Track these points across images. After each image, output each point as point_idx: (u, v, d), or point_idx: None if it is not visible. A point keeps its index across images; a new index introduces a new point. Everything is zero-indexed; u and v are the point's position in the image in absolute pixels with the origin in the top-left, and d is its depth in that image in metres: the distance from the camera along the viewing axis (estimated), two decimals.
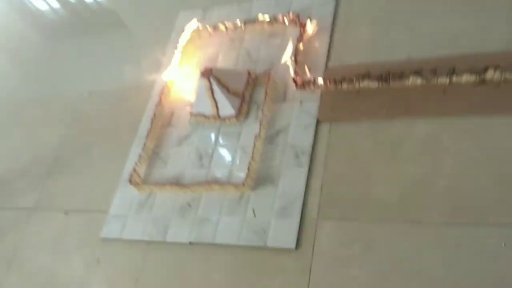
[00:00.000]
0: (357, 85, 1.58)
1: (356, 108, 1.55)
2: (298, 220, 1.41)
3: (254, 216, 1.47)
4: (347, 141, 1.51)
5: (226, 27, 1.95)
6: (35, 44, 2.48)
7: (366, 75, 1.55)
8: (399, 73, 1.52)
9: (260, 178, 1.54)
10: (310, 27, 1.78)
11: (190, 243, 1.50)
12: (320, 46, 1.75)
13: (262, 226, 1.44)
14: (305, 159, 1.51)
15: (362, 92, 1.57)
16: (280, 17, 1.85)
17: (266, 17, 1.87)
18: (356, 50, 1.68)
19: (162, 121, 1.83)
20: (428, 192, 1.33)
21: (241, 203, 1.52)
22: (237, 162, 1.61)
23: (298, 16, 1.81)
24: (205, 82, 1.67)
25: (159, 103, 1.83)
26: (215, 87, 1.67)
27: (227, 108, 1.68)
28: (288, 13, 1.84)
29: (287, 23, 1.85)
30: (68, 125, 2.03)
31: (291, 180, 1.49)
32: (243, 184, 1.49)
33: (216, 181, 1.56)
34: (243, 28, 1.93)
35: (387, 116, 1.50)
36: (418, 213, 1.30)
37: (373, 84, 1.56)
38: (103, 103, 2.05)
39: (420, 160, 1.38)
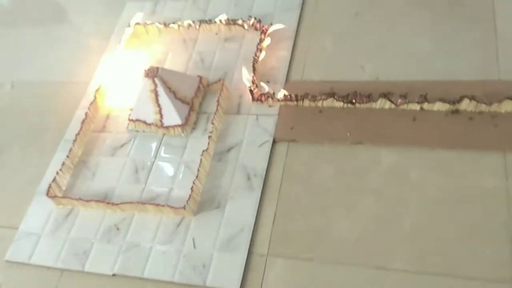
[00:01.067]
0: (320, 103, 1.41)
1: (318, 129, 1.38)
2: (245, 256, 1.21)
3: (194, 247, 1.25)
4: (305, 166, 1.33)
5: (178, 25, 1.73)
6: None
7: (331, 93, 1.39)
8: (367, 95, 1.36)
9: (205, 201, 1.33)
10: (270, 35, 1.60)
11: (114, 275, 1.26)
12: (282, 57, 1.58)
13: (203, 260, 1.23)
14: (258, 183, 1.32)
15: (326, 111, 1.41)
16: (239, 21, 1.66)
17: (224, 19, 1.66)
18: (320, 66, 1.52)
19: (95, 125, 1.58)
20: (393, 233, 1.17)
21: (180, 229, 1.30)
22: (179, 179, 1.39)
23: (259, 21, 1.63)
24: (149, 83, 1.44)
25: (94, 103, 1.58)
26: (161, 90, 1.44)
27: (172, 116, 1.46)
28: (249, 17, 1.65)
29: (246, 27, 1.66)
30: None
31: (240, 206, 1.29)
32: (184, 208, 1.27)
33: (152, 201, 1.33)
34: (197, 28, 1.71)
35: (351, 141, 1.34)
36: (381, 257, 1.14)
37: (338, 104, 1.40)
38: (28, 97, 1.77)
39: (384, 194, 1.23)
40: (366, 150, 1.32)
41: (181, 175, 1.40)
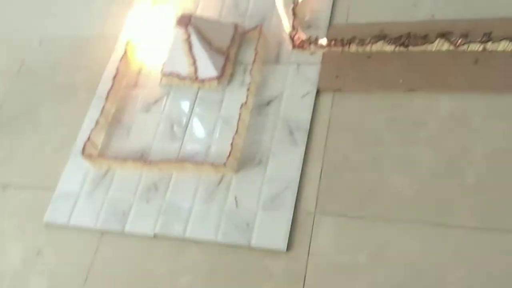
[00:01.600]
0: (368, 48, 1.28)
1: (366, 76, 1.26)
2: (291, 214, 1.13)
3: (236, 206, 1.18)
4: (353, 117, 1.22)
5: None
6: None
7: (381, 36, 1.26)
8: (422, 36, 1.22)
9: (245, 158, 1.24)
10: None
11: (155, 236, 1.21)
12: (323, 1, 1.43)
13: (246, 219, 1.16)
14: (302, 137, 1.22)
15: (375, 57, 1.28)
16: None
17: None
18: (367, 6, 1.38)
19: (127, 80, 1.50)
20: (454, 187, 1.07)
21: (221, 188, 1.23)
22: (217, 136, 1.31)
23: None
24: (181, 32, 1.34)
25: (124, 58, 1.50)
26: (194, 40, 1.34)
27: (207, 67, 1.36)
28: None
29: None
30: (12, 78, 1.66)
31: (284, 162, 1.20)
32: (225, 165, 1.19)
33: (190, 159, 1.26)
34: None
35: (404, 88, 1.21)
36: (441, 213, 1.05)
37: (389, 47, 1.26)
38: (57, 54, 1.69)
39: (444, 145, 1.12)
40: (421, 97, 1.19)
41: (218, 131, 1.31)
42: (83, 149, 1.35)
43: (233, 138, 1.23)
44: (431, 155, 1.11)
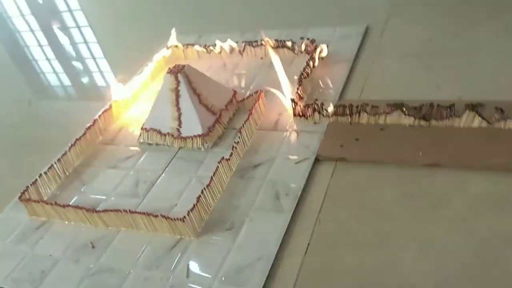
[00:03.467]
0: (382, 119, 1.07)
1: (376, 147, 1.03)
2: None
3: (187, 276, 0.87)
4: (358, 189, 0.96)
5: (220, 50, 1.52)
6: None
7: (398, 104, 1.06)
8: (447, 106, 1.02)
9: (215, 221, 0.97)
10: (324, 60, 1.34)
11: None
12: (336, 78, 1.30)
13: None
14: (289, 204, 0.95)
15: (389, 129, 1.07)
16: (289, 42, 1.42)
17: (271, 40, 1.43)
18: (385, 86, 1.23)
19: (104, 137, 1.31)
20: (487, 283, 0.74)
21: (173, 252, 0.92)
22: (187, 194, 1.05)
23: (313, 42, 1.38)
24: (170, 80, 1.18)
25: (107, 112, 1.33)
26: (183, 90, 1.17)
27: (193, 124, 1.17)
28: (301, 38, 1.41)
29: (296, 51, 1.42)
30: None
31: (262, 229, 0.92)
32: (183, 220, 0.91)
33: (146, 213, 0.98)
34: (241, 52, 1.49)
35: (424, 162, 0.96)
36: None
37: (407, 120, 1.06)
38: (49, 113, 1.56)
39: (474, 227, 0.82)
40: (445, 174, 0.94)
41: (189, 189, 1.05)
42: (22, 193, 1.10)
43: (202, 192, 0.96)
44: (458, 238, 0.81)
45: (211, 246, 0.91)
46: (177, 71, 1.18)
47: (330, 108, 1.13)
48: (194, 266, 0.88)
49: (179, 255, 0.91)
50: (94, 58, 1.84)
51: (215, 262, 0.88)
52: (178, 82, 1.17)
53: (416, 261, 0.80)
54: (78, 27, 2.10)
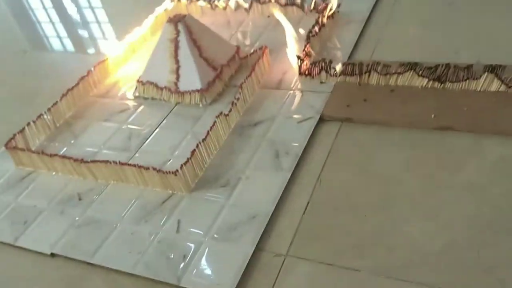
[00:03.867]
0: (394, 79, 1.00)
1: (386, 108, 0.96)
2: (251, 250, 0.75)
3: (177, 231, 0.81)
4: (364, 151, 0.90)
5: (225, 5, 1.44)
6: None
7: (411, 64, 0.99)
8: (464, 69, 0.95)
9: (209, 177, 0.91)
10: (335, 19, 1.27)
11: (52, 255, 0.83)
12: (346, 38, 1.22)
13: (184, 249, 0.78)
14: (289, 162, 0.89)
15: (400, 91, 1.00)
16: (298, 1, 1.34)
17: None
18: (399, 47, 1.15)
19: (98, 90, 1.24)
20: (502, 246, 0.68)
21: (164, 207, 0.87)
22: (181, 149, 0.99)
23: (324, 1, 1.30)
24: (170, 30, 1.11)
25: (102, 64, 1.26)
26: (183, 40, 1.10)
27: (192, 78, 1.10)
28: None
29: (306, 9, 1.34)
30: None
31: (258, 187, 0.86)
32: (175, 174, 0.85)
33: (137, 165, 0.91)
34: (247, 9, 1.41)
35: (437, 125, 0.90)
36: (479, 280, 0.64)
37: (420, 81, 0.98)
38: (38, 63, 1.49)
39: (489, 194, 0.77)
40: (459, 138, 0.87)
41: (184, 145, 0.99)
42: (9, 140, 1.04)
43: (197, 146, 0.90)
44: (471, 204, 0.75)
45: (204, 202, 0.86)
46: (178, 20, 1.11)
47: (339, 67, 1.05)
48: (185, 222, 0.83)
49: (169, 210, 0.86)
50: (92, 9, 1.76)
51: (208, 218, 0.82)
52: (177, 32, 1.10)
53: (423, 224, 0.74)
54: None
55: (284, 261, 0.73)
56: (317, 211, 0.80)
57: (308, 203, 0.82)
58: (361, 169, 0.86)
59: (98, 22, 1.69)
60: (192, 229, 0.81)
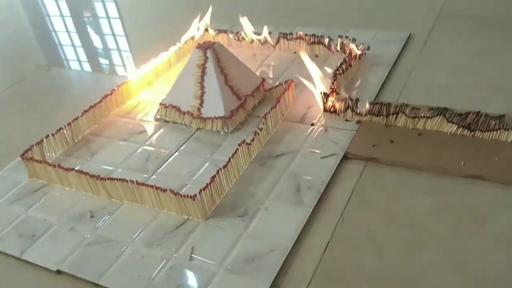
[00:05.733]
0: (422, 123, 0.98)
1: (414, 151, 0.94)
2: (268, 285, 0.71)
3: (190, 258, 0.78)
4: (389, 192, 0.87)
5: (252, 39, 1.45)
6: None
7: (441, 110, 0.97)
8: (495, 118, 0.93)
9: (227, 205, 0.88)
10: (362, 61, 1.27)
11: (58, 272, 0.79)
12: (373, 80, 1.21)
13: (196, 280, 0.74)
14: (311, 197, 0.86)
15: (428, 135, 0.97)
16: (326, 39, 1.34)
17: (307, 36, 1.36)
18: (426, 92, 1.14)
19: (121, 110, 1.24)
20: None
21: (178, 232, 0.84)
22: (199, 175, 0.96)
23: (353, 41, 1.30)
24: (198, 55, 1.11)
25: (126, 84, 1.26)
26: (210, 67, 1.10)
27: (215, 104, 1.09)
28: (340, 36, 1.33)
29: (333, 48, 1.34)
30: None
31: (278, 220, 0.83)
32: (193, 198, 0.82)
33: (154, 186, 0.89)
34: (273, 44, 1.42)
35: (466, 173, 0.87)
36: None
37: (449, 127, 0.96)
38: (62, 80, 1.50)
39: None
40: (489, 187, 0.85)
41: (203, 172, 0.97)
42: (25, 151, 1.02)
43: (217, 172, 0.88)
44: (501, 258, 0.71)
45: (220, 231, 0.82)
46: (207, 46, 1.11)
47: (366, 106, 1.04)
48: (198, 250, 0.79)
49: (184, 236, 0.82)
50: (120, 35, 1.78)
51: (223, 248, 0.79)
52: (206, 58, 1.10)
53: (449, 276, 0.70)
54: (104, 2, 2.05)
55: None
56: (339, 251, 0.77)
57: (329, 242, 0.78)
58: (386, 211, 0.83)
59: (125, 48, 1.70)
60: (205, 259, 0.77)
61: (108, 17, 1.95)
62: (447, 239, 0.76)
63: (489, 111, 0.98)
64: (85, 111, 1.15)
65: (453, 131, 0.96)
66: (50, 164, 0.97)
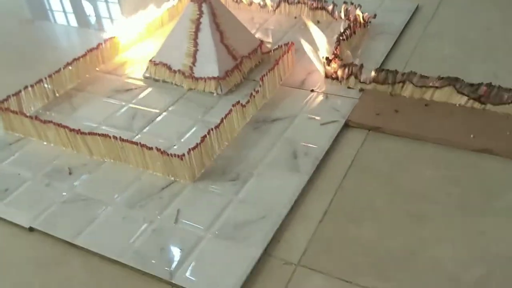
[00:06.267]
0: (430, 93, 0.92)
1: (420, 122, 0.88)
2: (259, 254, 0.65)
3: (175, 221, 0.71)
4: (392, 162, 0.81)
5: (251, 1, 1.37)
6: None
7: (451, 80, 0.90)
8: (509, 91, 0.87)
9: (217, 169, 0.81)
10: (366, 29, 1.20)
11: (30, 229, 0.73)
12: (378, 47, 1.14)
13: (181, 243, 0.68)
14: (308, 165, 0.80)
15: (436, 106, 0.91)
16: (330, 5, 1.27)
17: (309, 0, 1.28)
18: (434, 62, 1.07)
19: (107, 66, 1.15)
20: None
21: (163, 194, 0.77)
22: (189, 136, 0.89)
23: (359, 6, 1.23)
24: (193, 9, 1.02)
25: (112, 40, 1.17)
26: (205, 22, 1.02)
27: (209, 63, 1.02)
28: (344, 2, 1.25)
29: (336, 15, 1.26)
30: None
31: (271, 186, 0.76)
32: (181, 158, 0.76)
33: (140, 144, 0.82)
34: (273, 9, 1.34)
35: (476, 147, 0.81)
36: None
37: (458, 98, 0.90)
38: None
39: None
40: (499, 161, 0.79)
41: (192, 133, 0.90)
42: (1, 101, 0.95)
43: (208, 132, 0.81)
44: (510, 234, 0.66)
45: (209, 194, 0.76)
46: (203, 0, 1.02)
47: (371, 73, 0.97)
48: (185, 213, 0.73)
49: (169, 198, 0.76)
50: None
51: (211, 212, 0.72)
52: (201, 13, 1.02)
53: (455, 251, 0.65)
54: None
55: (295, 270, 0.63)
56: (336, 221, 0.71)
57: (326, 211, 0.72)
58: (388, 182, 0.77)
59: (114, 2, 1.61)
60: (192, 222, 0.71)
61: None
62: (454, 213, 0.71)
63: (500, 84, 0.92)
64: (68, 64, 1.07)
65: (462, 103, 0.90)
66: (26, 116, 0.89)
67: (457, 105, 0.91)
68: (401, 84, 0.94)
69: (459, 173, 0.78)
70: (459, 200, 0.73)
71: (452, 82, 0.90)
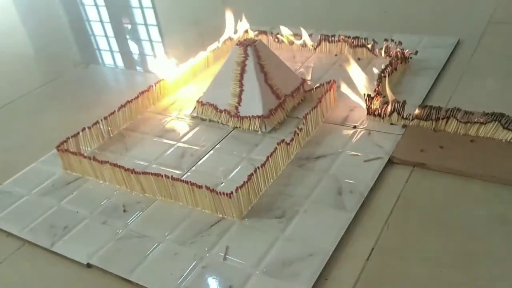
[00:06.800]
0: (474, 129, 0.92)
1: (466, 157, 0.87)
2: None
3: (224, 258, 0.74)
4: (439, 200, 0.81)
5: (291, 42, 1.41)
6: None
7: (497, 116, 0.90)
8: None
9: (263, 206, 0.84)
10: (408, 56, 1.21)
11: (88, 266, 0.77)
12: (420, 83, 1.15)
13: (231, 279, 0.71)
14: (354, 201, 0.81)
15: (482, 142, 0.91)
16: (370, 43, 1.30)
17: (349, 38, 1.32)
18: (476, 98, 1.08)
19: (157, 106, 1.22)
20: None
21: (212, 231, 0.80)
22: (235, 174, 0.93)
23: (399, 44, 1.25)
24: (238, 52, 1.08)
25: (162, 82, 1.24)
26: (250, 65, 1.07)
27: (254, 103, 1.06)
28: (385, 40, 1.28)
29: (377, 52, 1.29)
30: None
31: (317, 223, 0.78)
32: (229, 196, 0.79)
33: (190, 182, 0.86)
34: (313, 47, 1.38)
35: None
36: None
37: (505, 134, 0.89)
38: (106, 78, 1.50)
39: None
40: None
41: (239, 170, 0.93)
42: (61, 143, 1.01)
43: (254, 171, 0.84)
44: None
45: (256, 231, 0.78)
46: (248, 43, 1.08)
47: (414, 109, 0.98)
48: (233, 250, 0.75)
49: (218, 235, 0.79)
50: (157, 42, 1.78)
51: (259, 250, 0.74)
52: (246, 56, 1.07)
53: None
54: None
55: None
56: (384, 259, 0.71)
57: (373, 248, 0.73)
58: (436, 220, 0.77)
59: (162, 48, 1.70)
60: (240, 260, 0.73)
61: (146, 24, 1.95)
62: (505, 252, 0.69)
63: None
64: (121, 106, 1.13)
65: (508, 139, 0.90)
66: (85, 156, 0.95)
67: (503, 140, 0.90)
68: (445, 120, 0.95)
69: (507, 211, 0.77)
70: (509, 240, 0.71)
71: (498, 118, 0.90)
